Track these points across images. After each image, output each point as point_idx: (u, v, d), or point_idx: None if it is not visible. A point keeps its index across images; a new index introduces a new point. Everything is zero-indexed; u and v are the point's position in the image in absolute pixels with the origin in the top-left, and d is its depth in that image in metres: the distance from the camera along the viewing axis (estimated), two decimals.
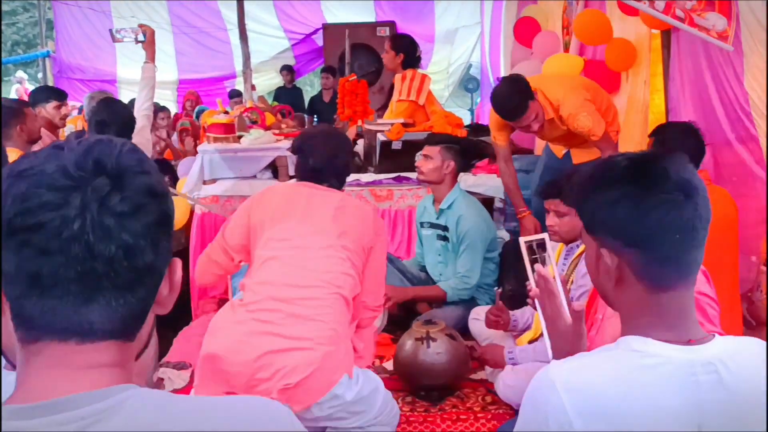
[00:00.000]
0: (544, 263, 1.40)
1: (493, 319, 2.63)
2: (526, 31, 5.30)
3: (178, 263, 0.71)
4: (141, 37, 3.22)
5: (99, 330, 0.64)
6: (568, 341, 1.07)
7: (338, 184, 2.28)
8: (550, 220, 2.46)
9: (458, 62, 8.62)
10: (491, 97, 3.07)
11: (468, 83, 8.29)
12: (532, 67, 4.90)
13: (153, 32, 3.23)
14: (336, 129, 2.62)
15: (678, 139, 2.38)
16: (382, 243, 2.18)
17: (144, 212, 0.65)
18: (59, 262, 0.61)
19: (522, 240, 1.25)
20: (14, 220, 0.61)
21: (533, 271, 1.20)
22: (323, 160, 2.23)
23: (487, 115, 8.03)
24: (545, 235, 1.27)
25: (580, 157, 3.30)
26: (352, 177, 4.00)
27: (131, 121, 2.84)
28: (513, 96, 3.01)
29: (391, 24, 8.25)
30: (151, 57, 3.24)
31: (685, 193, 0.93)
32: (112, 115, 2.74)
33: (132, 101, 5.93)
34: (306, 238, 2.05)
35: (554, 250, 2.56)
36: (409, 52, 4.26)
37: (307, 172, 2.24)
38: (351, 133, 4.47)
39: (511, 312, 2.67)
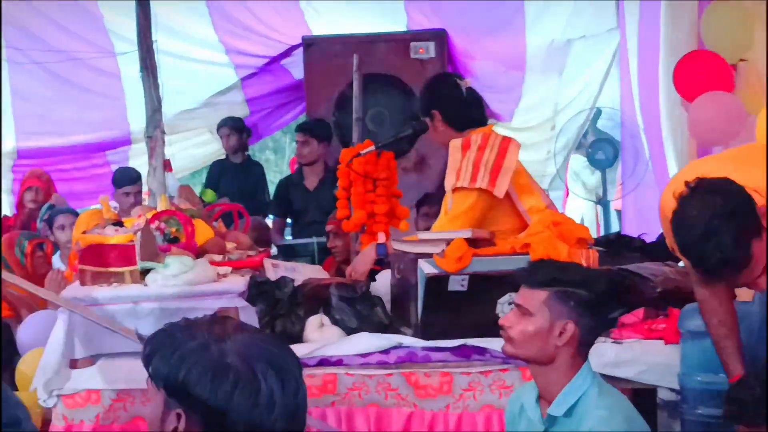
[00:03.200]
0: None
1: None
2: (694, 75, 5.40)
3: None
4: None
5: None
6: None
7: None
8: None
9: (574, 107, 8.83)
10: (674, 231, 3.20)
11: (596, 149, 8.43)
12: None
13: None
14: None
15: None
16: None
17: None
18: None
19: None
20: None
21: None
22: None
23: (636, 210, 8.12)
24: None
25: None
26: (370, 345, 4.14)
27: None
28: (723, 241, 3.06)
29: (439, 35, 8.61)
30: None
31: None
32: None
33: None
34: None
35: None
36: (446, 105, 4.60)
37: None
38: (367, 257, 4.67)
39: None
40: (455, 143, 4.55)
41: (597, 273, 3.68)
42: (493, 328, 3.52)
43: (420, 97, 4.88)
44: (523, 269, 3.46)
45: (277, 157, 14.76)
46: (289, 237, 8.24)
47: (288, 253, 6.11)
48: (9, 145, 9.02)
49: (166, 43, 7.48)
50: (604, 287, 3.39)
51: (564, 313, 3.22)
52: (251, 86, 9.27)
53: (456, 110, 4.62)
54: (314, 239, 6.71)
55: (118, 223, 4.75)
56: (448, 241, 4.16)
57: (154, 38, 6.39)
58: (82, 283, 4.27)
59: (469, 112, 4.64)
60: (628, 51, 8.00)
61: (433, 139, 4.88)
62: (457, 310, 4.11)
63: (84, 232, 4.78)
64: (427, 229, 5.50)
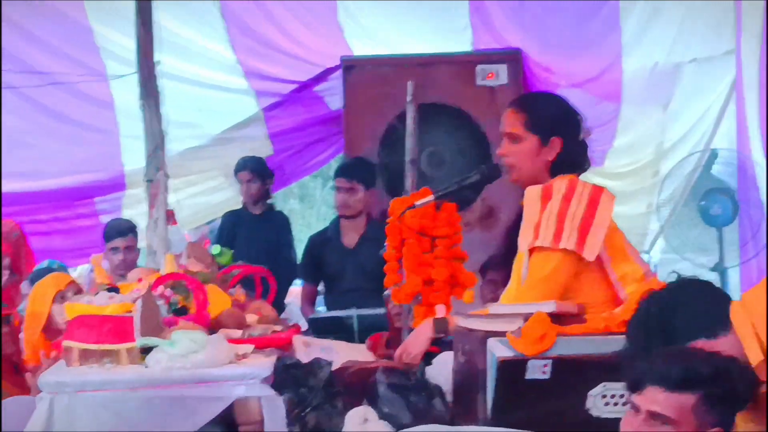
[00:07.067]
0: None
1: None
2: None
3: None
4: None
5: None
6: None
7: None
8: None
9: (682, 148, 8.86)
10: None
11: (711, 202, 8.42)
12: None
13: None
14: None
15: None
16: None
17: None
18: None
19: None
20: None
21: None
22: None
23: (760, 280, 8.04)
24: None
25: None
26: None
27: None
28: None
29: (512, 57, 8.70)
30: None
31: None
32: None
33: None
34: None
35: None
36: (570, 139, 4.59)
37: None
38: (423, 336, 4.66)
39: None
40: (533, 192, 4.53)
41: (728, 363, 3.61)
42: (582, 427, 3.50)
43: (541, 107, 4.74)
44: (654, 364, 3.41)
45: (303, 207, 14.57)
46: (321, 307, 8.27)
47: (321, 328, 6.07)
48: None
49: (172, 65, 7.59)
50: (743, 383, 3.35)
51: (711, 420, 3.20)
52: (276, 118, 9.32)
53: (575, 150, 4.61)
54: (354, 311, 6.58)
55: (113, 289, 4.78)
56: (527, 317, 4.11)
57: (156, 58, 6.49)
58: (68, 363, 4.30)
59: (581, 158, 4.66)
60: (746, 78, 7.98)
61: (519, 161, 4.62)
62: (537, 404, 4.03)
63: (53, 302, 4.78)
64: (495, 299, 5.47)
